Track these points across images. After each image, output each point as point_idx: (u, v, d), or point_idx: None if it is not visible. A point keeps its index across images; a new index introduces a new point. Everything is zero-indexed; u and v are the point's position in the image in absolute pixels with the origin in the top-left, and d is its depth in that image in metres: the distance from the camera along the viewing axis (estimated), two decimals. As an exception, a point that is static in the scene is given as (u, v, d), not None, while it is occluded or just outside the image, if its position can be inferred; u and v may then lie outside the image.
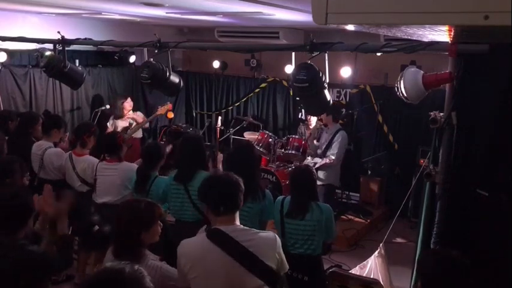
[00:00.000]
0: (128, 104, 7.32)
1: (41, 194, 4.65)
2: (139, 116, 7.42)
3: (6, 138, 5.27)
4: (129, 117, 7.26)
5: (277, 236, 2.63)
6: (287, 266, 2.70)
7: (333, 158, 6.04)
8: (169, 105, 7.41)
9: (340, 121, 6.55)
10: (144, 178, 4.25)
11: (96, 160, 4.80)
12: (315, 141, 6.34)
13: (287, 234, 3.68)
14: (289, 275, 3.53)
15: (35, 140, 5.24)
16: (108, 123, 7.36)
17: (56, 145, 5.18)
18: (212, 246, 2.49)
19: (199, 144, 4.17)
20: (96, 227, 4.39)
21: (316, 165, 6.03)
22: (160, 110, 7.33)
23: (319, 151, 6.21)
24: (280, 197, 3.87)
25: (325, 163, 6.06)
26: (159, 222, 2.74)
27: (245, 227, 2.62)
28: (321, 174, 6.06)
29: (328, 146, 6.19)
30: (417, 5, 1.89)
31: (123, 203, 2.99)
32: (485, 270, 2.66)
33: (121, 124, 7.21)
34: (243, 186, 2.64)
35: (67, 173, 4.86)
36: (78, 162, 4.76)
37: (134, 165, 4.56)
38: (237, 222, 2.61)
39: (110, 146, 4.66)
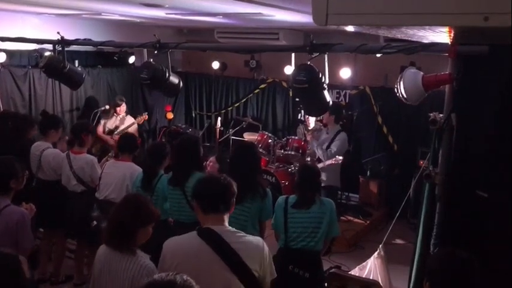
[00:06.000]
0: (120, 108, 7.40)
1: (39, 194, 4.72)
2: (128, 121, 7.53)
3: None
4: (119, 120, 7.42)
5: (264, 242, 2.63)
6: (275, 273, 2.68)
7: (340, 158, 6.03)
8: (145, 116, 7.66)
9: (340, 122, 6.54)
10: (151, 176, 4.26)
11: (93, 158, 4.81)
12: (314, 142, 6.32)
13: (290, 229, 3.71)
14: (290, 270, 3.58)
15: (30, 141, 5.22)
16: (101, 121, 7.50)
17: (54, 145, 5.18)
18: (203, 245, 2.49)
19: (195, 146, 4.17)
20: (95, 222, 4.42)
21: (320, 165, 6.02)
22: (138, 120, 7.51)
23: (320, 152, 6.20)
24: (284, 196, 3.91)
25: (332, 163, 6.05)
26: (153, 225, 2.74)
27: (233, 229, 2.61)
28: (322, 175, 6.04)
29: (329, 146, 6.18)
30: (418, 6, 1.89)
31: (127, 196, 3.01)
32: (485, 271, 2.65)
33: (108, 124, 7.38)
34: (235, 189, 2.65)
35: (63, 171, 4.85)
36: (75, 161, 4.76)
37: (140, 169, 4.56)
38: (226, 223, 2.61)
39: (126, 145, 4.70)
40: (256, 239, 2.63)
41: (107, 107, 7.84)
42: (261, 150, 7.03)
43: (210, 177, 2.76)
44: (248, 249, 2.52)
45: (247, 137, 7.90)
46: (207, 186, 2.63)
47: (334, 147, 6.05)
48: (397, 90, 3.08)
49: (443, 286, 2.21)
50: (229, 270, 2.46)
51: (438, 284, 2.22)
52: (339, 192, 7.10)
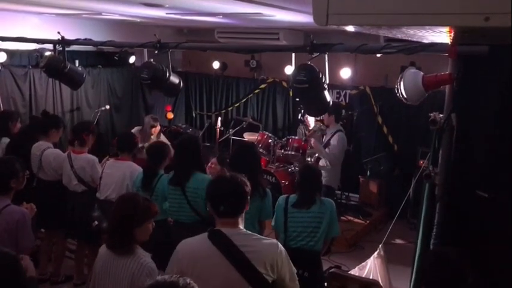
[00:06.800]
0: (156, 129, 7.22)
1: (40, 194, 4.72)
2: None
3: (8, 140, 5.27)
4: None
5: (279, 244, 2.58)
6: (295, 277, 2.63)
7: (333, 158, 6.02)
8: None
9: (341, 122, 6.54)
10: (151, 176, 4.26)
11: (94, 158, 4.81)
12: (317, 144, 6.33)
13: (290, 228, 3.72)
14: None
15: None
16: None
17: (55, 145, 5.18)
18: (212, 247, 2.48)
19: (196, 146, 4.17)
20: (96, 222, 4.42)
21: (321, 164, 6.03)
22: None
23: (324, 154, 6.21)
24: (284, 195, 3.91)
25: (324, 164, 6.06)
26: (152, 221, 2.74)
27: (248, 232, 2.58)
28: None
29: (325, 146, 6.18)
30: (418, 6, 1.90)
31: (122, 195, 3.00)
32: (484, 271, 2.66)
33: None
34: (248, 190, 2.60)
35: (64, 171, 4.85)
36: (76, 161, 4.76)
37: (140, 168, 4.54)
38: (241, 226, 2.57)
39: (125, 144, 4.70)
40: (270, 242, 2.58)
41: (107, 107, 7.84)
42: (261, 150, 7.03)
43: (219, 178, 2.70)
44: (258, 253, 2.48)
45: (248, 137, 7.90)
46: (216, 187, 2.61)
47: (333, 150, 6.05)
48: (398, 91, 3.08)
49: (436, 285, 2.23)
50: (237, 273, 2.44)
51: (432, 284, 2.23)
52: (338, 192, 7.11)
